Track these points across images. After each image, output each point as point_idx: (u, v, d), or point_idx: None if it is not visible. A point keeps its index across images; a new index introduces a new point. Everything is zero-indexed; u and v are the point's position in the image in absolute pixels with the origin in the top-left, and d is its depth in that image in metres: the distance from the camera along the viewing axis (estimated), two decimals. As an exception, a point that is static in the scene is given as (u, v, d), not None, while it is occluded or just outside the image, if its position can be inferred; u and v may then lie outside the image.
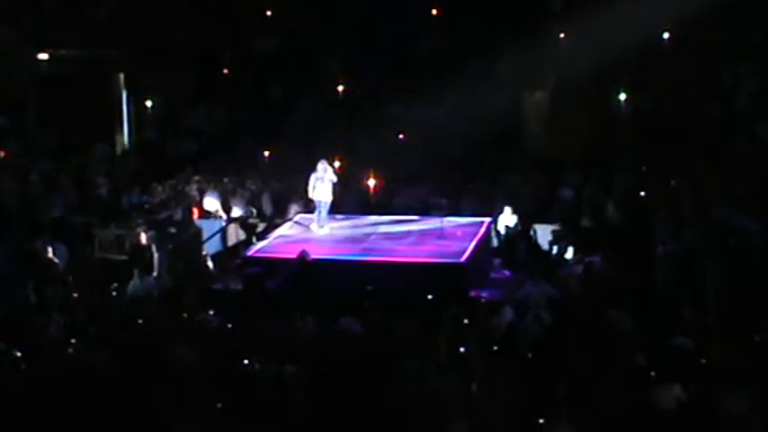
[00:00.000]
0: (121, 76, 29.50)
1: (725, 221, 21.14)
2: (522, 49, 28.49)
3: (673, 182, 23.86)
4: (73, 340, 14.39)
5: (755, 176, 23.07)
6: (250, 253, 21.25)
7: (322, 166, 22.14)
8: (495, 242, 23.23)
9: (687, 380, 11.55)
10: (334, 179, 22.32)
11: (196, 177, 26.16)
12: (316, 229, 22.35)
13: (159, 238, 22.07)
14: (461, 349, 13.38)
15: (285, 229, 22.99)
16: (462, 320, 14.94)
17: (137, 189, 25.56)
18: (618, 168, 25.50)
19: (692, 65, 27.49)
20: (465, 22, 30.61)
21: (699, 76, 27.21)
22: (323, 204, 22.28)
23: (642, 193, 24.30)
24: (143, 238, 21.26)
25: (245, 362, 12.46)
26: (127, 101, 29.52)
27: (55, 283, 18.72)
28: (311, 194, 22.32)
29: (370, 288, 17.30)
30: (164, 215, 24.03)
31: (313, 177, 22.14)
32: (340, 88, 30.96)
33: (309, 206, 22.95)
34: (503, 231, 23.31)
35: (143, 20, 28.82)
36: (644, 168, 25.69)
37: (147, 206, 24.61)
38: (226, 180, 26.18)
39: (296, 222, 23.66)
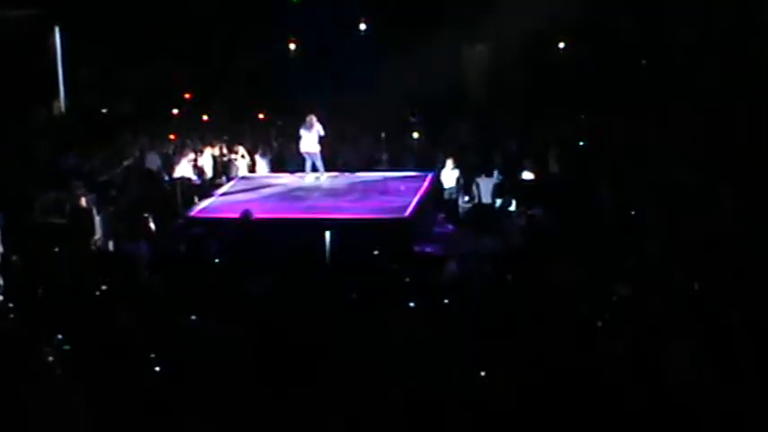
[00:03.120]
0: (57, 37, 28.96)
1: (664, 171, 21.34)
2: (462, 2, 28.44)
3: (612, 132, 24.01)
4: (11, 305, 14.25)
5: (694, 126, 23.27)
6: (192, 213, 21.12)
7: (310, 120, 22.47)
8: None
9: (630, 330, 11.66)
10: (322, 133, 22.73)
11: (140, 139, 25.96)
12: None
13: (100, 201, 21.84)
14: (408, 305, 13.40)
15: (227, 189, 22.90)
16: (404, 277, 14.96)
17: (75, 152, 25.23)
18: (558, 120, 25.61)
19: (632, 15, 27.62)
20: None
21: (638, 26, 27.34)
22: (314, 157, 22.85)
23: (582, 144, 24.45)
24: (83, 201, 21.02)
25: (189, 323, 12.42)
26: (62, 63, 29.01)
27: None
28: (301, 147, 22.82)
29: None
30: (104, 178, 23.79)
31: (302, 131, 22.41)
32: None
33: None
34: (445, 185, 23.34)
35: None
36: (583, 117, 25.84)
37: (86, 169, 24.32)
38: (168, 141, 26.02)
39: (238, 181, 23.58)
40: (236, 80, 29.58)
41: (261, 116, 28.35)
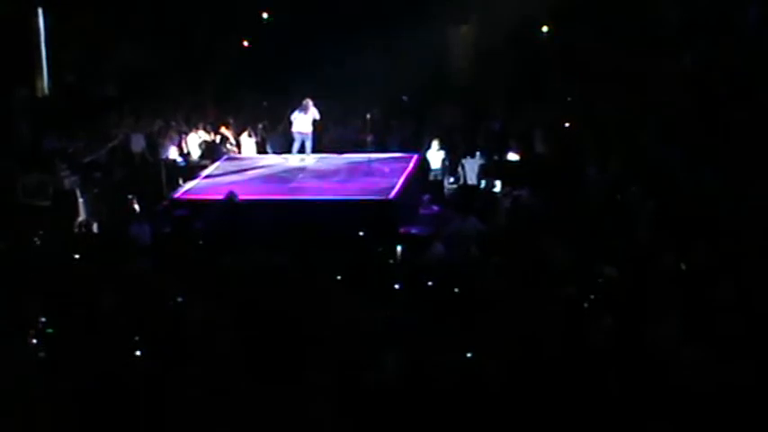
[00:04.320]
0: (40, 17, 28.73)
1: (649, 150, 21.35)
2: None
3: (598, 112, 24.00)
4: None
5: (680, 106, 23.27)
6: (177, 195, 21.03)
7: (306, 102, 22.64)
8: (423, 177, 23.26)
9: (617, 310, 11.66)
10: (317, 116, 22.72)
11: (125, 120, 25.83)
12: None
13: (84, 182, 21.74)
14: (394, 286, 13.37)
15: (212, 170, 22.82)
16: (389, 259, 14.95)
17: (59, 133, 25.07)
18: (544, 100, 25.58)
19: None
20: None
21: (622, 6, 27.27)
22: (305, 137, 22.78)
23: (568, 125, 24.43)
24: (67, 182, 20.91)
25: (173, 303, 12.37)
26: (46, 43, 28.78)
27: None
28: (293, 127, 22.75)
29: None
30: (88, 159, 23.67)
31: (296, 112, 22.36)
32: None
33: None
34: (431, 167, 23.31)
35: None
36: (569, 99, 25.82)
37: (70, 150, 24.19)
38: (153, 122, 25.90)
39: (223, 163, 23.51)
40: (222, 61, 29.38)
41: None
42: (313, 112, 22.61)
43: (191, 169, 23.60)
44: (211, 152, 24.74)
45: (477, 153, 23.18)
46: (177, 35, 30.03)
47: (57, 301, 12.77)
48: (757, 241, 15.17)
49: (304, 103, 22.66)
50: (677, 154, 20.93)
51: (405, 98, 27.53)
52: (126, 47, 29.88)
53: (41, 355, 11.12)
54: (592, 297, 12.26)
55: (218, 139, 25.34)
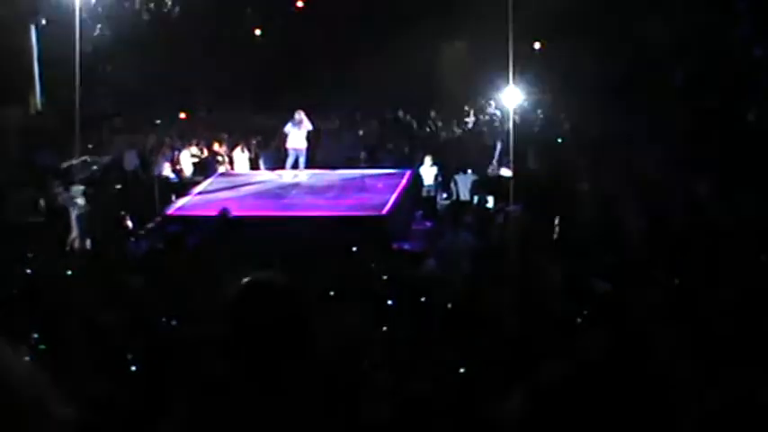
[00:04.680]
0: (33, 33, 28.72)
1: (642, 167, 21.41)
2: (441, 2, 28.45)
3: (590, 129, 24.09)
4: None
5: (671, 120, 23.36)
6: (170, 211, 21.02)
7: (299, 116, 22.29)
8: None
9: (610, 325, 11.66)
10: (310, 127, 22.52)
11: (116, 136, 25.84)
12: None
13: (76, 199, 21.69)
14: (387, 302, 13.35)
15: (205, 186, 22.82)
16: (381, 275, 14.92)
17: (51, 150, 25.06)
18: (538, 116, 25.67)
19: (607, 14, 27.69)
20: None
21: (614, 25, 27.41)
22: (299, 153, 22.62)
23: (560, 141, 24.51)
24: (60, 199, 20.89)
25: (165, 322, 12.33)
26: (39, 59, 28.77)
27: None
28: (288, 143, 22.59)
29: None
30: (81, 176, 23.64)
31: (289, 125, 22.29)
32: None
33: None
34: (424, 182, 23.36)
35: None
36: (563, 116, 25.90)
37: (63, 167, 24.17)
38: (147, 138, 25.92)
39: (216, 179, 23.52)
40: (215, 77, 29.40)
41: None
42: (306, 125, 22.54)
43: (184, 185, 23.59)
44: (204, 168, 24.75)
45: (469, 170, 23.24)
46: (170, 51, 30.04)
47: (49, 318, 12.73)
48: (751, 255, 15.20)
49: (296, 116, 22.60)
50: (671, 170, 20.97)
51: (400, 113, 27.57)
52: (119, 64, 29.91)
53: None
54: (585, 312, 12.25)
55: (210, 155, 25.36)
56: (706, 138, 21.97)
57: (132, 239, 19.02)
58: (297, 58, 29.40)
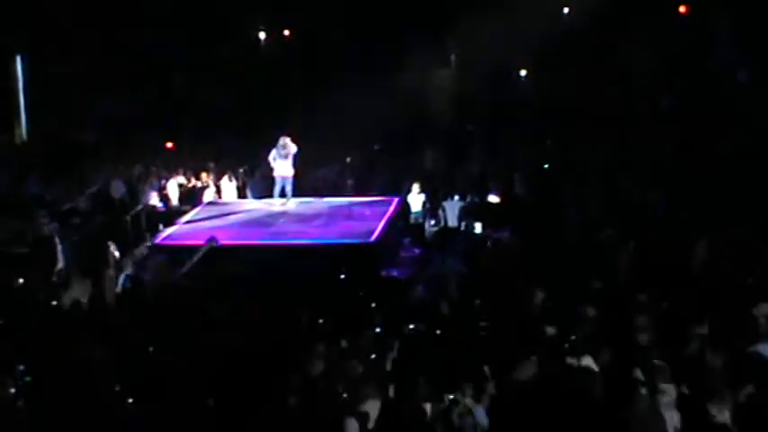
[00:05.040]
0: (18, 63, 28.73)
1: (627, 193, 21.47)
2: (427, 28, 28.55)
3: (577, 155, 24.18)
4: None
5: (655, 149, 23.47)
6: (158, 241, 20.97)
7: (282, 141, 22.29)
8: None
9: (598, 350, 11.65)
10: (295, 150, 22.45)
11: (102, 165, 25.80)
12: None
13: (63, 229, 21.62)
14: (375, 330, 13.33)
15: (193, 216, 22.77)
16: (370, 302, 14.91)
17: (37, 180, 25.00)
18: (523, 143, 25.75)
19: (592, 42, 27.87)
20: (370, 3, 30.39)
21: (599, 53, 27.57)
22: (286, 181, 22.53)
23: (547, 167, 24.58)
24: (46, 229, 20.79)
25: (153, 353, 12.28)
26: (24, 89, 28.76)
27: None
28: (274, 171, 22.51)
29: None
30: (67, 206, 23.58)
31: (273, 152, 22.24)
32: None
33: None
34: (412, 209, 23.37)
35: (40, 3, 28.03)
36: (549, 143, 25.99)
37: (49, 197, 24.11)
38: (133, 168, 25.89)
39: (203, 208, 23.48)
40: (201, 106, 29.43)
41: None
42: (291, 151, 22.43)
43: (171, 215, 23.53)
44: (191, 197, 24.71)
45: (456, 196, 23.27)
46: (156, 81, 30.07)
47: (35, 349, 12.66)
48: (736, 281, 15.23)
49: (280, 141, 22.54)
50: (655, 195, 21.04)
51: (377, 147, 27.58)
52: (105, 92, 29.89)
53: (20, 404, 11.00)
54: (572, 338, 12.25)
55: (198, 184, 25.32)
56: (691, 163, 22.05)
57: (119, 269, 18.93)
58: (283, 85, 29.43)
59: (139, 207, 23.91)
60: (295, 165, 22.69)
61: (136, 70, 30.13)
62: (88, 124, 29.38)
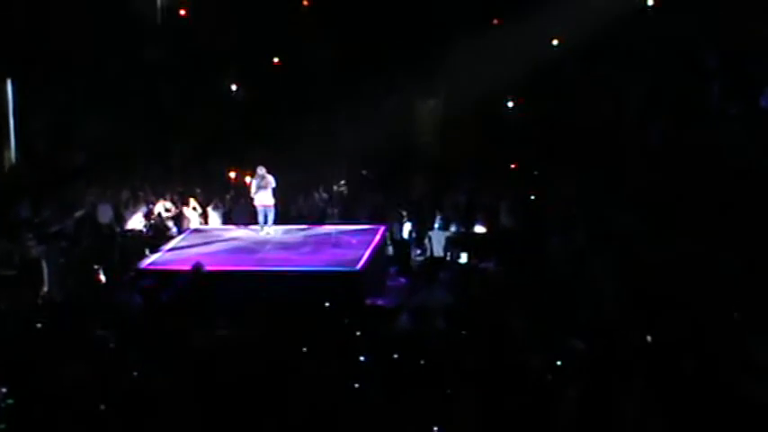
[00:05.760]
0: (8, 86, 28.73)
1: (612, 222, 21.51)
2: (415, 58, 28.64)
3: (562, 186, 24.22)
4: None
5: (642, 178, 23.51)
6: (144, 265, 20.94)
7: (261, 171, 22.50)
8: (390, 250, 23.30)
9: (582, 381, 11.66)
10: (273, 184, 22.70)
11: (90, 189, 25.77)
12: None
13: (50, 252, 21.59)
14: (359, 358, 13.32)
15: (179, 242, 22.77)
16: (355, 331, 14.90)
17: (26, 203, 24.96)
18: (509, 173, 25.80)
19: (581, 72, 27.99)
20: (358, 32, 30.47)
21: (587, 83, 27.67)
22: (268, 210, 22.79)
23: (533, 198, 24.61)
24: (33, 252, 20.77)
25: (138, 376, 12.25)
26: (13, 112, 28.74)
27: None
28: (255, 201, 22.73)
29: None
30: (54, 229, 23.55)
31: (254, 183, 22.40)
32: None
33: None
34: (397, 238, 23.40)
35: (29, 27, 28.06)
36: (536, 173, 26.03)
37: (36, 220, 24.07)
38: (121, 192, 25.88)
39: (189, 234, 23.47)
40: (189, 131, 29.44)
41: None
42: (269, 181, 22.65)
43: (157, 240, 23.51)
44: (178, 223, 24.71)
45: (442, 224, 23.32)
46: (145, 105, 30.06)
47: (17, 372, 12.62)
48: (724, 313, 15.24)
49: (258, 171, 22.75)
50: (642, 226, 21.07)
51: (364, 172, 27.63)
52: (93, 117, 29.86)
53: (2, 426, 10.97)
54: (557, 369, 12.26)
55: (184, 209, 25.31)
56: (678, 196, 22.11)
57: (105, 293, 18.90)
58: (271, 112, 29.48)
59: (126, 232, 23.93)
60: (275, 194, 22.80)
61: (125, 94, 30.17)
62: (77, 147, 29.33)
